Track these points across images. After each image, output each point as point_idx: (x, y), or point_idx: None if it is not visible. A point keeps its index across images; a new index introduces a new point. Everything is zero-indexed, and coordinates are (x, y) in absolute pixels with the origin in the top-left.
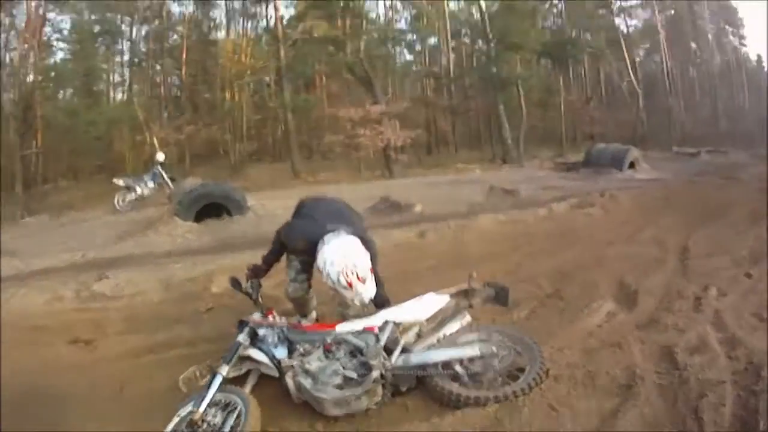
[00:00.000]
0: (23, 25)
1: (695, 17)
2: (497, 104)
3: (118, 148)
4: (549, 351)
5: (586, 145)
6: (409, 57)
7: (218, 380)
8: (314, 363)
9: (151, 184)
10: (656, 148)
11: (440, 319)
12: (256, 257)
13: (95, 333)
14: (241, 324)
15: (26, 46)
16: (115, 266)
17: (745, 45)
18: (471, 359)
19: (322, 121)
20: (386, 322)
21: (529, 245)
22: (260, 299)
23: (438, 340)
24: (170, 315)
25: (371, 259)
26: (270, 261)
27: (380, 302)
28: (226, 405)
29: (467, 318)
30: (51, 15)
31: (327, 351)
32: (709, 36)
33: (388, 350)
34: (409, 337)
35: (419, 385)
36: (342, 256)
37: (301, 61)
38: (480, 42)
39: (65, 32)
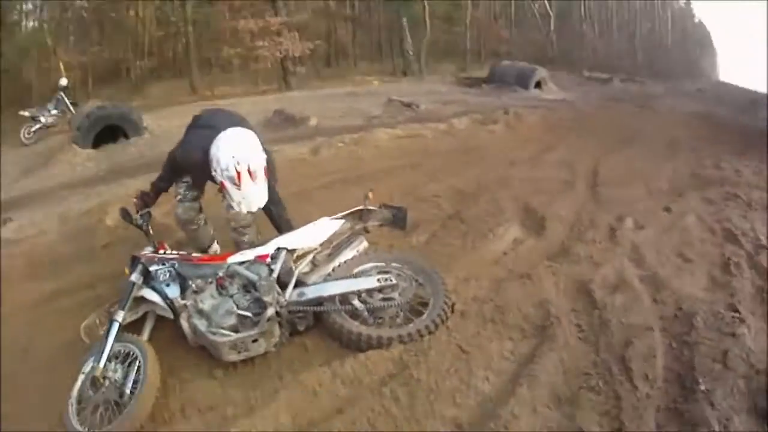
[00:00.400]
0: None
1: None
2: (400, 17)
3: (26, 78)
4: (453, 281)
5: (491, 62)
6: None
7: (115, 328)
8: (207, 301)
9: (54, 112)
10: (566, 70)
11: (335, 245)
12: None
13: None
14: (134, 261)
15: None
16: (18, 206)
17: None
18: (370, 292)
19: (222, 33)
20: (279, 250)
21: (429, 162)
22: (151, 231)
23: (333, 269)
24: (69, 255)
25: (269, 169)
26: (160, 188)
27: (281, 224)
28: (126, 356)
29: (363, 243)
30: None
31: (220, 286)
32: None
33: (283, 284)
34: (303, 267)
35: (317, 323)
36: (236, 145)
37: None
38: None
39: None
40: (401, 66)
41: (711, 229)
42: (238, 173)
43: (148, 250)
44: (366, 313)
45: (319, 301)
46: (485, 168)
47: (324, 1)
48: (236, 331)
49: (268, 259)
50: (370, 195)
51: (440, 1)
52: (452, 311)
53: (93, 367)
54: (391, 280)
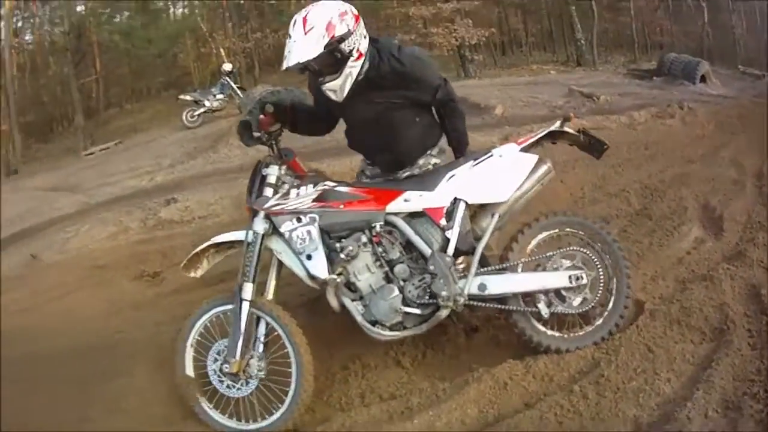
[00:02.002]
0: None
1: None
2: (568, 4)
3: (182, 62)
4: (642, 279)
5: (656, 54)
6: None
7: (246, 310)
8: (363, 276)
9: (219, 96)
10: (721, 64)
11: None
12: (341, 165)
13: (162, 264)
14: (254, 213)
15: None
16: (184, 188)
17: None
18: (558, 292)
19: (392, 19)
20: (456, 202)
21: (614, 155)
22: (278, 146)
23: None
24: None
25: (421, 65)
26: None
27: (459, 138)
28: (265, 336)
29: (550, 174)
30: None
31: (377, 245)
32: None
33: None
34: (487, 237)
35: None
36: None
37: None
38: None
39: None
40: (574, 55)
41: None
42: (294, 21)
43: (272, 170)
44: (550, 316)
45: (503, 299)
46: (666, 163)
47: None
48: (399, 329)
49: (442, 218)
50: (572, 115)
51: None
52: (642, 311)
53: (227, 362)
54: (582, 278)
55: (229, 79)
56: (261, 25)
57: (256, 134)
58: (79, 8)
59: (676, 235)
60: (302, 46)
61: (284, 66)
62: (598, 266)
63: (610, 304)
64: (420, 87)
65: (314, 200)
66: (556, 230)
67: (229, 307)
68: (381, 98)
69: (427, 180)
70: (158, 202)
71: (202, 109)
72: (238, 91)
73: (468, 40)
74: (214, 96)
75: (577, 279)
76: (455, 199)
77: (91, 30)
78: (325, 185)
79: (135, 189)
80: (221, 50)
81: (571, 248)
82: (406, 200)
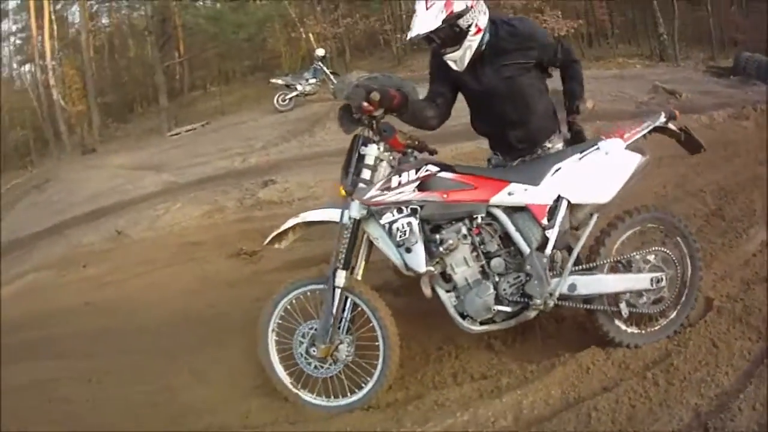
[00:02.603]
0: None
1: None
2: None
3: (271, 46)
4: (712, 278)
5: (731, 50)
6: None
7: (338, 297)
8: (460, 269)
9: (312, 80)
10: None
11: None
12: (465, 150)
13: (260, 243)
14: (350, 195)
15: None
16: (281, 169)
17: None
18: (639, 293)
19: None
20: (560, 201)
21: (695, 155)
22: (377, 125)
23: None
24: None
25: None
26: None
27: (573, 88)
28: (351, 316)
29: (647, 162)
30: None
31: (476, 236)
32: None
33: (552, 258)
34: (582, 243)
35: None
36: None
37: None
38: None
39: None
40: (657, 50)
41: None
42: None
43: (371, 150)
44: (629, 314)
45: (590, 299)
46: (740, 165)
47: None
48: (488, 324)
49: (544, 218)
50: (678, 114)
51: None
52: (711, 308)
53: (314, 345)
54: (663, 280)
55: (321, 64)
56: (350, 11)
57: (357, 116)
58: None
59: (744, 237)
60: (423, 19)
61: (408, 37)
62: (676, 263)
63: (683, 298)
64: (538, 45)
65: (416, 188)
66: (640, 227)
67: (312, 287)
68: (507, 61)
69: (533, 172)
70: (255, 183)
71: (294, 93)
72: (332, 76)
73: (557, 32)
74: (307, 80)
75: (658, 282)
76: (559, 196)
77: (175, 13)
78: (427, 170)
79: (227, 170)
80: (310, 36)
81: (653, 248)
82: (510, 193)
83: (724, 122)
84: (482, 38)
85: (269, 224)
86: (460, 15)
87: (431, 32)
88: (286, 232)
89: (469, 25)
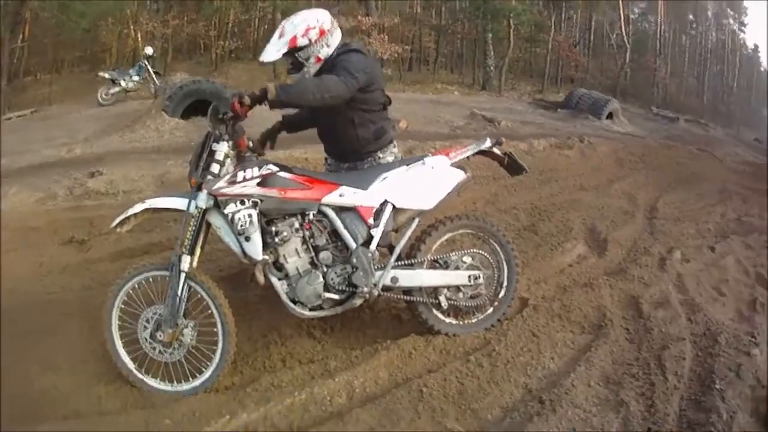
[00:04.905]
0: None
1: None
2: (485, 31)
3: (103, 39)
4: (526, 282)
5: (566, 87)
6: None
7: (182, 281)
8: (291, 259)
9: (136, 78)
10: (636, 104)
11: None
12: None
13: (90, 233)
14: (198, 188)
15: None
16: (105, 162)
17: (743, 32)
18: (458, 288)
19: None
20: (385, 204)
21: (508, 177)
22: (232, 126)
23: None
24: (166, 214)
25: (338, 64)
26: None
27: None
28: (194, 308)
29: (467, 179)
30: None
31: (306, 232)
32: (709, 12)
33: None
34: (404, 240)
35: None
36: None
37: None
38: None
39: None
40: (480, 79)
41: (746, 271)
42: (281, 25)
43: (222, 147)
44: (448, 307)
45: (409, 291)
46: (558, 189)
47: (411, 8)
48: (317, 309)
49: (371, 218)
50: (503, 140)
51: (525, 22)
52: (526, 305)
53: (160, 330)
54: (480, 278)
55: (147, 63)
56: (180, 13)
57: (225, 115)
58: None
59: (560, 249)
60: (269, 48)
61: (261, 59)
62: (493, 264)
63: (501, 296)
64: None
65: (258, 184)
66: (459, 231)
67: (155, 273)
68: None
69: (363, 178)
70: (83, 174)
71: (117, 89)
72: (154, 76)
73: (381, 54)
74: (131, 77)
75: (476, 278)
76: (385, 201)
77: None
78: (269, 169)
79: (56, 158)
80: (138, 35)
81: (471, 250)
82: (341, 195)
83: (544, 150)
84: (323, 65)
85: (97, 213)
86: (300, 49)
87: (270, 62)
88: (129, 217)
89: (308, 57)
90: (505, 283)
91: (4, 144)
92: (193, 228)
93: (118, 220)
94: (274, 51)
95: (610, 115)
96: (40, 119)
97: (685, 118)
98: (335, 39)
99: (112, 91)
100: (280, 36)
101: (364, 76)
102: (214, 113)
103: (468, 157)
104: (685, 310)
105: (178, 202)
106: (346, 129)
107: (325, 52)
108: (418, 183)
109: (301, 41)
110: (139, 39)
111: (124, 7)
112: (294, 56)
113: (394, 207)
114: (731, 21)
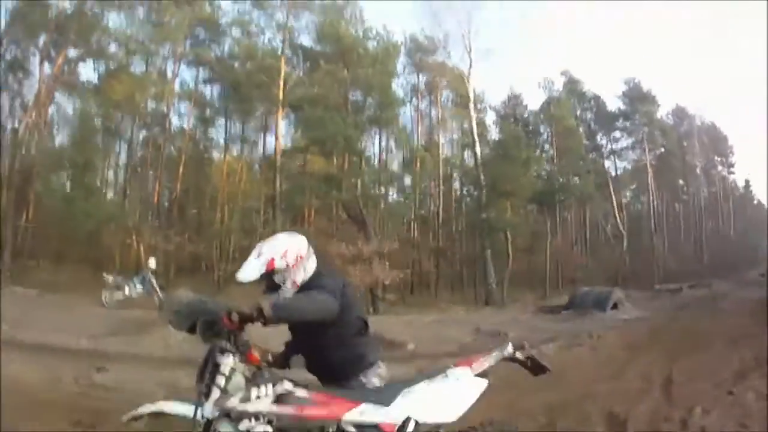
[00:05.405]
0: (31, 97)
1: (685, 153)
2: (484, 248)
3: (106, 243)
4: None
5: (568, 288)
6: (398, 198)
7: None
8: None
9: (139, 288)
10: (638, 287)
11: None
12: None
13: (98, 419)
14: (205, 394)
15: (30, 120)
16: (111, 360)
17: (733, 173)
18: None
19: None
20: (408, 420)
21: (524, 382)
22: (235, 339)
23: None
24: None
25: (329, 288)
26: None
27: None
28: None
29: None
30: (58, 95)
31: None
32: (698, 170)
33: None
34: None
35: None
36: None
37: (298, 193)
38: (471, 188)
39: (68, 117)
40: (483, 295)
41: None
42: (259, 245)
43: (227, 363)
44: None
45: None
46: (573, 385)
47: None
48: None
49: None
50: (526, 345)
51: (522, 233)
52: None
53: None
54: None
55: (151, 275)
56: (182, 230)
57: (216, 329)
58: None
59: None
60: (248, 268)
61: (237, 277)
62: None
63: None
64: None
65: (273, 402)
66: None
67: None
68: None
69: (386, 393)
70: (88, 365)
71: (120, 295)
72: (158, 290)
73: (383, 280)
74: (135, 286)
75: None
76: (408, 417)
77: (35, 178)
78: (284, 388)
79: (61, 344)
80: (141, 248)
81: None
82: (361, 413)
83: (554, 354)
84: (298, 291)
85: (103, 404)
86: (277, 272)
87: (248, 281)
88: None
89: (284, 280)
90: None
91: (8, 312)
92: None
93: (128, 416)
94: (251, 270)
95: (614, 305)
96: (46, 303)
97: (689, 285)
98: (311, 265)
99: (116, 296)
100: (258, 256)
101: (341, 298)
102: (204, 329)
103: (491, 365)
104: None
105: (186, 409)
106: (326, 351)
107: (301, 276)
108: (442, 396)
109: (279, 263)
110: (142, 251)
111: (126, 215)
112: (270, 278)
113: (416, 423)
114: (719, 167)
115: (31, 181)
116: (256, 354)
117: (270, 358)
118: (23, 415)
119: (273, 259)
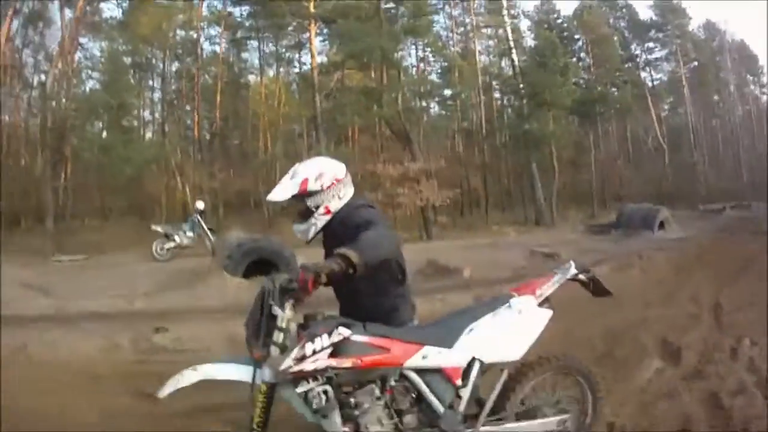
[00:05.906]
0: (54, 47)
1: (718, 69)
2: (530, 162)
3: (149, 189)
4: (611, 406)
5: (615, 206)
6: (439, 111)
7: None
8: (374, 428)
9: (190, 234)
10: (683, 205)
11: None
12: None
13: (159, 387)
14: (260, 345)
15: (57, 70)
16: (168, 318)
17: (765, 93)
18: None
19: (356, 176)
20: (473, 362)
21: (579, 309)
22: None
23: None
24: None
25: (369, 220)
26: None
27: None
28: None
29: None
30: (83, 40)
31: (390, 398)
32: (731, 87)
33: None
34: (494, 397)
35: None
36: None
37: (339, 112)
38: (512, 97)
39: (96, 60)
40: (531, 214)
41: None
42: (294, 166)
43: (283, 315)
44: None
45: None
46: (626, 310)
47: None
48: None
49: (458, 378)
50: (589, 267)
51: (565, 145)
52: (612, 428)
53: None
54: (568, 421)
55: (200, 218)
56: (226, 166)
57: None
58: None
59: (638, 368)
60: (280, 188)
61: (268, 198)
62: (579, 402)
63: (587, 423)
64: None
65: (330, 355)
66: (545, 375)
67: None
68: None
69: (447, 332)
70: (147, 328)
71: (171, 244)
72: (209, 233)
73: (433, 202)
74: (185, 233)
75: (564, 423)
76: (473, 358)
77: (69, 132)
78: (340, 334)
79: (115, 308)
80: (187, 188)
81: (559, 392)
82: (424, 356)
83: (605, 276)
84: (332, 219)
85: (165, 369)
86: (310, 194)
87: (279, 201)
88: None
89: (318, 205)
90: (591, 413)
91: (56, 287)
92: (262, 404)
93: (167, 391)
94: (283, 191)
95: (661, 224)
96: (93, 267)
97: (731, 206)
98: (347, 193)
99: (167, 246)
100: (292, 177)
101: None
102: (282, 291)
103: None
104: (761, 391)
105: (241, 373)
106: (361, 297)
107: (336, 204)
108: (507, 332)
109: (313, 185)
110: (188, 192)
111: (168, 153)
112: (303, 201)
113: (482, 363)
114: (752, 86)
115: (65, 138)
116: (309, 276)
117: (323, 279)
118: (79, 393)
119: (306, 180)
